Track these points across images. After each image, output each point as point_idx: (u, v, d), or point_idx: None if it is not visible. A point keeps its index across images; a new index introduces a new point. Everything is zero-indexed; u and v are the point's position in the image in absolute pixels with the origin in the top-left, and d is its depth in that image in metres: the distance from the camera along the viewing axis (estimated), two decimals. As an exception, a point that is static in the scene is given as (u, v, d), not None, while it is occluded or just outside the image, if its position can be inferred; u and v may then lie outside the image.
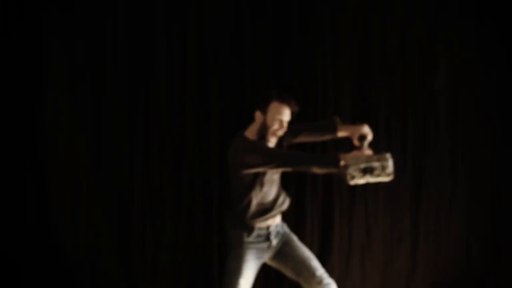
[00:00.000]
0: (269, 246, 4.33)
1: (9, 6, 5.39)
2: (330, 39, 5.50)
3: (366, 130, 4.34)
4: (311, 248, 5.47)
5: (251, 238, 4.28)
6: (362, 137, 4.32)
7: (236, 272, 4.25)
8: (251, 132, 4.32)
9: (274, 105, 4.24)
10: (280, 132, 4.29)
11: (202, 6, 5.47)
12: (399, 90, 5.56)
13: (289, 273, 4.39)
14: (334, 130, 4.46)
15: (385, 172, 4.15)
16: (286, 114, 4.26)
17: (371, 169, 4.14)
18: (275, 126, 4.26)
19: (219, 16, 5.47)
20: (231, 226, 4.33)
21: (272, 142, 4.32)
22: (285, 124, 4.28)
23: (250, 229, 4.27)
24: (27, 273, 5.41)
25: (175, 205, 5.50)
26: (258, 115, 4.28)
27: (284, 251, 4.38)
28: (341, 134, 4.46)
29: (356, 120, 5.52)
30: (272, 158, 4.20)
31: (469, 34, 5.55)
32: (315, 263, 4.33)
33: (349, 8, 5.51)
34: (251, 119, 5.50)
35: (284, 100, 4.25)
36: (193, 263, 5.52)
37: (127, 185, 5.48)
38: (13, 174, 5.41)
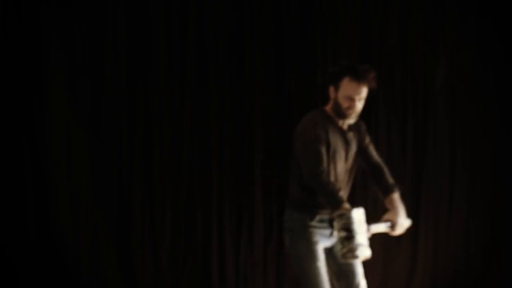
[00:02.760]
0: (331, 234, 3.97)
1: (9, 4, 5.38)
2: (330, 39, 5.50)
3: (400, 222, 3.96)
4: (311, 248, 5.48)
5: (314, 222, 3.94)
6: (391, 222, 3.98)
7: (310, 257, 3.93)
8: (329, 107, 3.96)
9: (345, 82, 3.85)
10: (352, 111, 3.90)
11: (202, 6, 5.47)
12: (399, 90, 5.56)
13: (330, 273, 4.06)
14: (386, 193, 4.04)
15: (350, 248, 3.75)
16: (358, 92, 3.86)
17: (348, 233, 3.74)
18: (345, 104, 3.86)
19: (219, 15, 5.47)
20: (294, 209, 3.98)
21: (349, 121, 3.95)
22: (358, 103, 3.88)
23: (313, 213, 3.92)
24: (26, 273, 5.40)
25: (175, 205, 5.50)
26: (331, 90, 3.90)
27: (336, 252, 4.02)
28: (387, 203, 4.04)
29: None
30: (303, 157, 3.84)
31: (469, 33, 5.56)
32: (358, 280, 4.09)
33: (349, 8, 5.51)
34: (251, 119, 5.53)
35: (356, 76, 3.83)
36: (193, 263, 5.52)
37: (127, 185, 5.48)
38: (13, 173, 5.40)
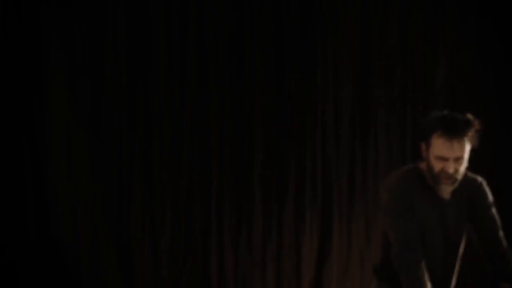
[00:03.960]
0: None
1: (9, 4, 5.38)
2: (330, 39, 5.50)
3: None
4: (310, 249, 5.49)
5: None
6: None
7: None
8: (424, 166, 3.12)
9: (435, 138, 3.00)
10: (447, 177, 3.02)
11: (202, 6, 5.48)
12: (399, 90, 5.56)
13: None
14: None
15: None
16: (453, 151, 2.98)
17: None
18: (437, 167, 3.00)
19: (219, 15, 5.47)
20: (377, 279, 3.39)
21: (447, 188, 3.09)
22: (455, 165, 3.00)
23: None
24: (26, 273, 5.40)
25: (175, 205, 5.50)
26: (422, 148, 3.08)
27: None
28: None
29: (355, 119, 5.53)
30: (391, 233, 3.04)
31: (469, 33, 5.55)
32: None
33: (349, 8, 5.51)
34: (251, 119, 5.53)
35: (448, 131, 2.97)
36: (193, 263, 5.52)
37: (127, 185, 5.48)
38: (13, 173, 5.40)
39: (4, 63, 5.37)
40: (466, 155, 3.06)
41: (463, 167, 3.06)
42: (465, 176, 3.17)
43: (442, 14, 5.54)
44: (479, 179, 3.25)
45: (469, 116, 3.06)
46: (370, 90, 5.55)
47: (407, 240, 3.00)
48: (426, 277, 2.95)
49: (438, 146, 2.97)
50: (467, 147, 3.04)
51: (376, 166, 5.55)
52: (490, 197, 3.23)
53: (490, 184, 5.63)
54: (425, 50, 5.55)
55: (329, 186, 5.52)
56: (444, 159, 2.98)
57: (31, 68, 5.39)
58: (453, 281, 3.18)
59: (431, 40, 5.55)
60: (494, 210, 3.21)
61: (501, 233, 3.18)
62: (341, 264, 5.55)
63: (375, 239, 5.59)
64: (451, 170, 2.99)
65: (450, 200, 3.12)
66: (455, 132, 2.97)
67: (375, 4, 5.52)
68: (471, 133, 3.02)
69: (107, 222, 5.47)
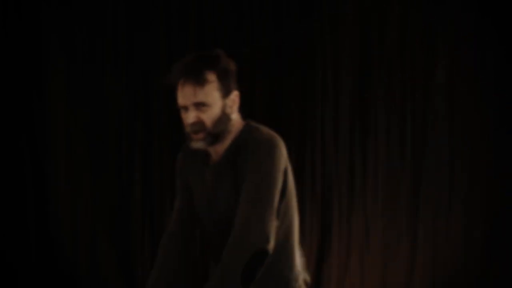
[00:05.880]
0: None
1: (9, 4, 5.39)
2: (330, 36, 5.50)
3: None
4: (310, 248, 5.48)
5: None
6: None
7: None
8: None
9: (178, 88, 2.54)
10: (189, 129, 2.52)
11: (202, 6, 5.48)
12: (398, 90, 5.56)
13: None
14: None
15: None
16: (187, 96, 2.47)
17: None
18: (184, 121, 2.57)
19: (219, 15, 5.48)
20: None
21: (199, 146, 2.56)
22: (196, 113, 2.48)
23: None
24: (26, 273, 5.41)
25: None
26: None
27: None
28: None
29: (355, 119, 5.52)
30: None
31: (469, 33, 5.55)
32: None
33: (349, 8, 5.52)
34: (251, 119, 5.52)
35: (180, 74, 2.49)
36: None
37: (127, 185, 5.48)
38: (13, 173, 5.41)
39: (4, 63, 5.38)
40: (215, 101, 2.53)
41: (211, 116, 2.50)
42: (246, 134, 2.63)
43: (441, 13, 5.54)
44: (261, 138, 2.57)
45: (216, 52, 2.53)
46: (370, 90, 5.55)
47: (173, 215, 2.63)
48: (173, 256, 2.54)
49: (178, 95, 2.50)
50: (213, 91, 2.51)
51: (376, 166, 5.54)
52: (265, 169, 2.44)
53: (489, 184, 5.63)
54: (425, 50, 5.55)
55: (329, 186, 5.52)
56: (185, 109, 2.50)
57: (31, 68, 5.40)
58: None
59: (431, 40, 5.54)
60: (260, 194, 2.38)
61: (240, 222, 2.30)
62: (341, 264, 5.54)
63: (375, 239, 5.59)
64: (189, 119, 2.46)
65: (215, 166, 2.55)
66: (185, 73, 2.44)
67: (375, 4, 5.52)
68: (212, 72, 2.49)
69: (107, 222, 5.47)
